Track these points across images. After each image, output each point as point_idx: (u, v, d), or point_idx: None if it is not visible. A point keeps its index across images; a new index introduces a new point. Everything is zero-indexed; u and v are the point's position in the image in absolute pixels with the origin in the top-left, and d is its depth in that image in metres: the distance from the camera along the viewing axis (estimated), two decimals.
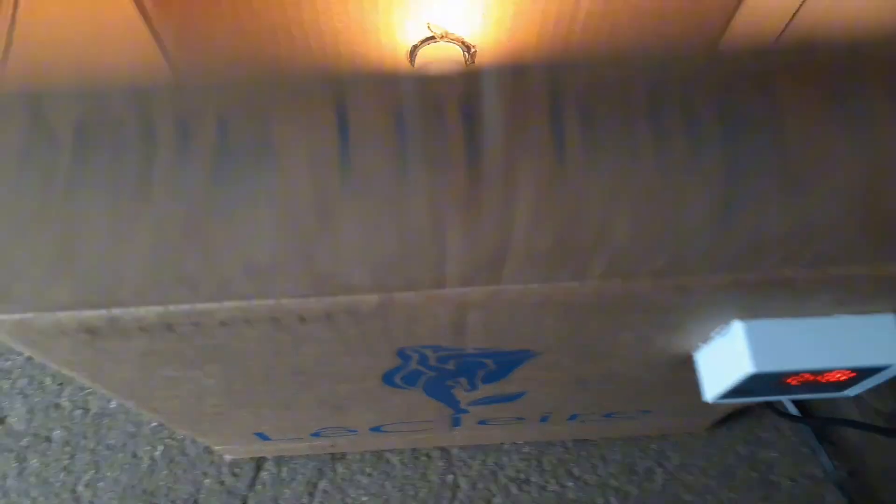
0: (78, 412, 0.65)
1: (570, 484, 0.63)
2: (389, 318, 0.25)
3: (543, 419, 0.53)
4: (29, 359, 0.67)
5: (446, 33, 0.55)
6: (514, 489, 0.63)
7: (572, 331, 0.29)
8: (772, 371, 0.28)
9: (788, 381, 0.30)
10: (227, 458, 0.63)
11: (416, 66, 0.58)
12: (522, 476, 0.63)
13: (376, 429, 0.52)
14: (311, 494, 0.62)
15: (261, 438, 0.52)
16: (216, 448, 0.59)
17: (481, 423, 0.53)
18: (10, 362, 0.67)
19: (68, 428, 0.64)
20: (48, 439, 0.64)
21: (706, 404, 0.53)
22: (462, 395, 0.42)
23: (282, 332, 0.25)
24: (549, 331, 0.29)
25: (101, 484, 0.62)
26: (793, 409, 0.65)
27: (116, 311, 0.22)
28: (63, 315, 0.22)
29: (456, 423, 0.53)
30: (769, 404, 0.65)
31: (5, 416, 0.65)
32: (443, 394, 0.41)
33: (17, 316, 0.22)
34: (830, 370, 0.29)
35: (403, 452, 0.64)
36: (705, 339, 0.32)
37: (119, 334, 0.24)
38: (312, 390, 0.36)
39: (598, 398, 0.46)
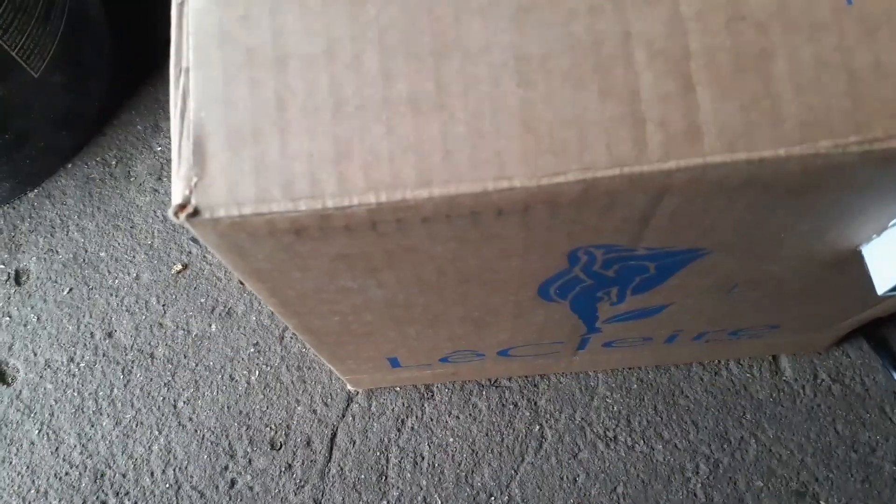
0: (180, 332, 0.67)
1: (660, 447, 0.62)
2: (586, 206, 0.24)
3: (670, 339, 0.53)
4: (136, 278, 0.70)
5: None
6: (601, 446, 0.62)
7: (755, 221, 0.28)
8: None
9: None
10: (349, 388, 0.64)
11: None
12: (610, 434, 0.63)
13: (503, 352, 0.52)
14: (398, 430, 0.63)
15: (391, 365, 0.53)
16: (344, 378, 0.60)
17: (606, 345, 0.53)
18: (117, 280, 0.70)
19: (171, 347, 0.67)
20: (152, 356, 0.67)
21: (835, 316, 0.52)
22: (604, 310, 0.42)
23: (475, 228, 0.25)
24: (730, 223, 0.28)
25: (199, 402, 0.65)
26: None
27: (328, 207, 0.23)
28: (276, 214, 0.23)
29: (582, 345, 0.53)
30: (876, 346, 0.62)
31: (113, 331, 0.68)
32: (587, 308, 0.41)
33: (234, 214, 0.23)
34: None
35: (490, 399, 0.64)
36: (880, 230, 0.31)
37: (322, 234, 0.24)
38: (467, 302, 0.37)
39: (736, 311, 0.46)
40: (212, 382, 0.65)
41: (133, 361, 0.67)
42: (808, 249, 0.35)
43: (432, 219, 0.24)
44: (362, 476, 0.62)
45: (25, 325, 0.68)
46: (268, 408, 0.64)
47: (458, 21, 0.24)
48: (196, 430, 0.64)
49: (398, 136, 0.23)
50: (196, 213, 0.23)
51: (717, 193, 0.25)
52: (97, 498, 0.62)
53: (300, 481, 0.62)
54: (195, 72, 0.24)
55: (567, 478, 0.61)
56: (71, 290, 0.69)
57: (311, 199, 0.23)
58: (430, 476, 0.62)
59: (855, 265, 0.36)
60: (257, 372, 0.66)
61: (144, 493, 0.62)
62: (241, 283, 0.69)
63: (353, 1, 0.24)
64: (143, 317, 0.68)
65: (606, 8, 0.24)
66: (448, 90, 0.23)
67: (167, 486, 0.62)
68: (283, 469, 0.62)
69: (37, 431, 0.64)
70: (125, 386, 0.66)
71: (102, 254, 0.71)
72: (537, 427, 0.63)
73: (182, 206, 0.23)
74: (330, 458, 0.63)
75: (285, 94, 0.23)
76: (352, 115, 0.23)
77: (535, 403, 0.64)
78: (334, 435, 0.63)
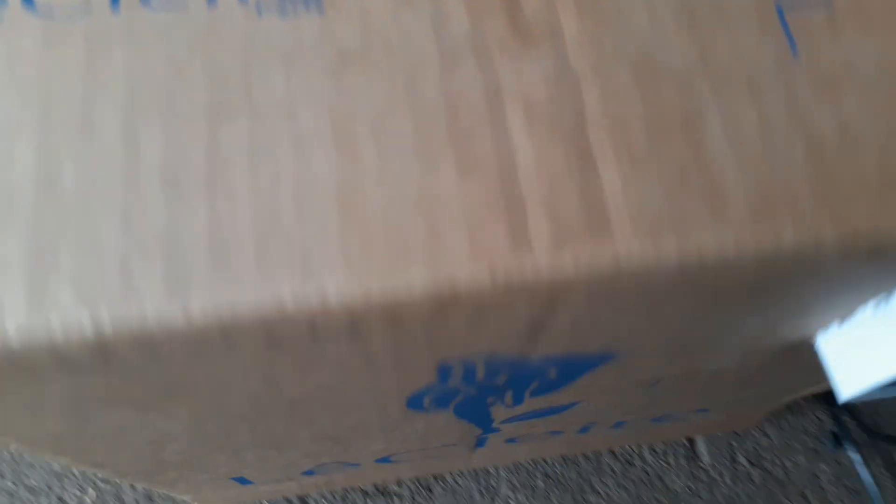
0: None
1: None
2: (444, 324, 0.16)
3: (584, 430, 0.45)
4: None
5: None
6: None
7: (690, 321, 0.21)
8: None
9: None
10: None
11: None
12: None
13: (383, 459, 0.43)
14: None
15: (240, 483, 0.42)
16: (183, 498, 0.49)
17: (509, 441, 0.45)
18: None
19: None
20: None
21: (774, 395, 0.46)
22: (500, 412, 0.34)
23: (281, 354, 0.17)
24: (653, 328, 0.20)
25: None
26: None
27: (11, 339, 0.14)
28: None
29: (480, 443, 0.44)
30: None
31: None
32: (477, 413, 0.33)
33: None
34: None
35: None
36: (842, 319, 0.24)
37: (25, 376, 0.15)
38: (313, 424, 0.27)
39: (661, 401, 0.39)
40: None
41: None
42: (751, 346, 0.29)
43: (201, 353, 0.15)
44: None
45: None
46: None
47: (248, 74, 0.16)
48: None
49: (139, 229, 0.14)
50: None
51: (634, 299, 0.18)
52: None
53: None
54: None
55: None
56: None
57: None
58: None
59: (805, 351, 0.30)
60: (93, 491, 0.54)
61: None
62: None
63: (91, 55, 0.16)
64: None
65: (466, 57, 0.16)
66: (227, 160, 0.15)
67: None
68: None
69: None
70: None
71: None
72: None
73: None
74: None
75: None
76: (67, 203, 0.14)
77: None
78: None
